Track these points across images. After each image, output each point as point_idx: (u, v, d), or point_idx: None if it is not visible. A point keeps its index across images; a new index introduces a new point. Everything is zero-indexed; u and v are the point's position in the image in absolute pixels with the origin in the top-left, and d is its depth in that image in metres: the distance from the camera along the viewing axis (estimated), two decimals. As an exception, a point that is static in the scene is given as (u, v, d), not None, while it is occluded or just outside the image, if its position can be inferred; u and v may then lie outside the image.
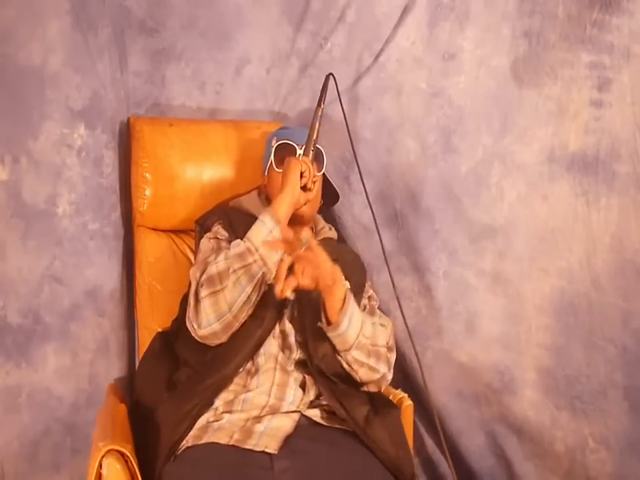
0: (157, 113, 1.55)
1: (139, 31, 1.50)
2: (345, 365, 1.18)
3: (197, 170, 1.49)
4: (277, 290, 1.05)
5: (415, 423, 1.51)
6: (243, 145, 1.52)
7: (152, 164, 1.45)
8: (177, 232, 1.51)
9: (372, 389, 1.24)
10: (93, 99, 1.40)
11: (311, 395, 1.17)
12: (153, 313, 1.42)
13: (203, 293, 1.11)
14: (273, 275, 1.13)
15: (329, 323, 1.15)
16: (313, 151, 1.24)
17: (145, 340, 1.35)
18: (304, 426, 1.13)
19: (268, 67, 1.62)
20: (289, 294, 1.07)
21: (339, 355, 1.17)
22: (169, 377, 1.19)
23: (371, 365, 1.19)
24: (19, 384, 1.34)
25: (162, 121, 1.50)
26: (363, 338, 1.16)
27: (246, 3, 1.56)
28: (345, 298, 1.13)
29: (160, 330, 1.32)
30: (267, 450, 1.05)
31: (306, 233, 1.10)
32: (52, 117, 1.34)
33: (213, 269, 1.12)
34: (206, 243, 1.24)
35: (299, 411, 1.14)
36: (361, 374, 1.19)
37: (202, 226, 1.30)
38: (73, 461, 1.39)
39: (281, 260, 1.08)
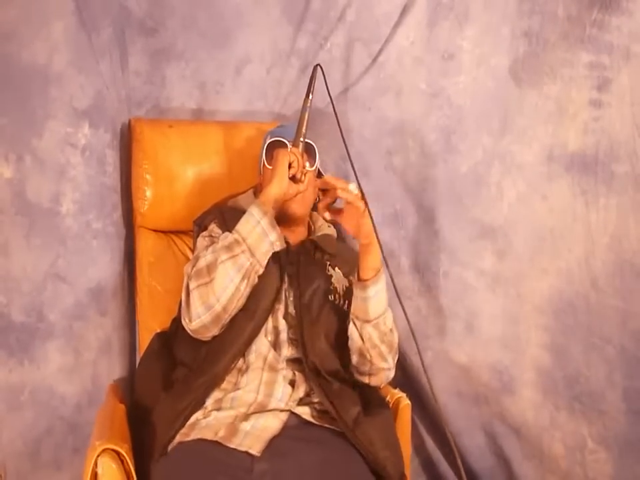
0: (157, 113, 1.56)
1: (139, 31, 1.50)
2: (357, 340, 1.19)
3: (196, 171, 1.49)
4: (320, 206, 1.16)
5: (414, 422, 1.51)
6: (243, 145, 1.52)
7: (152, 165, 1.46)
8: (177, 233, 1.51)
9: (374, 382, 1.25)
10: (97, 98, 1.41)
11: (301, 391, 1.17)
12: (153, 313, 1.42)
13: (192, 285, 1.12)
14: (263, 267, 1.15)
15: (361, 278, 1.17)
16: (302, 142, 1.23)
17: (145, 340, 1.35)
18: (292, 426, 1.13)
19: (268, 67, 1.62)
20: (327, 215, 1.17)
21: (355, 325, 1.19)
22: (166, 376, 1.20)
23: (382, 351, 1.20)
24: (22, 382, 1.35)
25: (162, 123, 1.51)
26: (382, 322, 1.18)
27: (246, 3, 1.56)
28: (378, 271, 1.17)
29: (159, 330, 1.33)
30: (249, 451, 1.05)
31: (354, 184, 1.14)
32: (56, 116, 1.35)
33: (201, 262, 1.13)
34: (201, 241, 1.25)
35: (288, 410, 1.14)
36: (373, 355, 1.20)
37: (199, 226, 1.31)
38: (75, 459, 1.40)
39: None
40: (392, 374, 1.26)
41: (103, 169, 1.44)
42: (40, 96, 1.34)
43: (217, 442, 1.07)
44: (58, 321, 1.38)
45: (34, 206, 1.35)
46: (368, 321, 1.18)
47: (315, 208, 1.36)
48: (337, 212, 1.17)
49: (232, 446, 1.06)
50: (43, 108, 1.35)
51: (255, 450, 1.05)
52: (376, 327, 1.18)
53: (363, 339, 1.19)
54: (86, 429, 1.36)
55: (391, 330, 1.22)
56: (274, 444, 1.07)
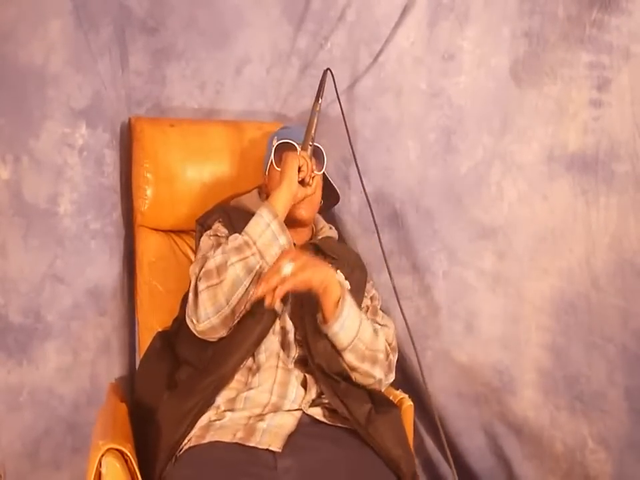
0: (158, 112, 1.55)
1: (140, 30, 1.50)
2: (344, 364, 1.19)
3: (197, 170, 1.49)
4: (267, 302, 1.06)
5: (414, 423, 1.50)
6: (244, 145, 1.52)
7: (153, 164, 1.46)
8: (177, 232, 1.51)
9: (372, 387, 1.24)
10: (94, 98, 1.40)
11: (313, 393, 1.17)
12: (153, 312, 1.42)
13: (201, 286, 1.11)
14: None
15: (324, 321, 1.15)
16: (311, 146, 1.24)
17: (145, 340, 1.35)
18: (306, 424, 1.13)
19: (268, 66, 1.61)
20: (277, 305, 1.10)
21: (338, 353, 1.18)
22: (169, 376, 1.20)
23: (364, 370, 1.19)
24: (21, 382, 1.35)
25: (162, 122, 1.50)
26: (358, 342, 1.17)
27: (246, 3, 1.56)
28: (338, 302, 1.13)
29: (160, 330, 1.33)
30: (270, 448, 1.05)
31: (287, 265, 1.07)
32: (53, 116, 1.35)
33: (210, 263, 1.13)
34: (206, 240, 1.24)
35: (301, 409, 1.14)
36: (356, 376, 1.20)
37: (202, 225, 1.30)
38: (74, 459, 1.39)
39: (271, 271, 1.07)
40: (388, 380, 1.24)
41: (101, 169, 1.43)
42: (37, 96, 1.34)
43: (235, 443, 1.06)
44: (56, 322, 1.38)
45: (31, 207, 1.34)
46: (344, 349, 1.17)
47: (320, 210, 1.37)
48: (283, 293, 1.09)
49: (252, 444, 1.05)
50: (39, 108, 1.34)
51: (276, 446, 1.05)
52: (353, 350, 1.17)
53: (346, 364, 1.18)
54: (85, 428, 1.36)
55: (371, 338, 1.19)
56: (293, 441, 1.07)
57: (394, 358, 1.25)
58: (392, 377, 1.25)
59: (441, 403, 1.57)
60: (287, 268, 1.07)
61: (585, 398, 1.44)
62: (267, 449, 1.05)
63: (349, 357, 1.17)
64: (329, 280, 1.13)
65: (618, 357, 1.39)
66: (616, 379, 1.39)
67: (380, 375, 1.21)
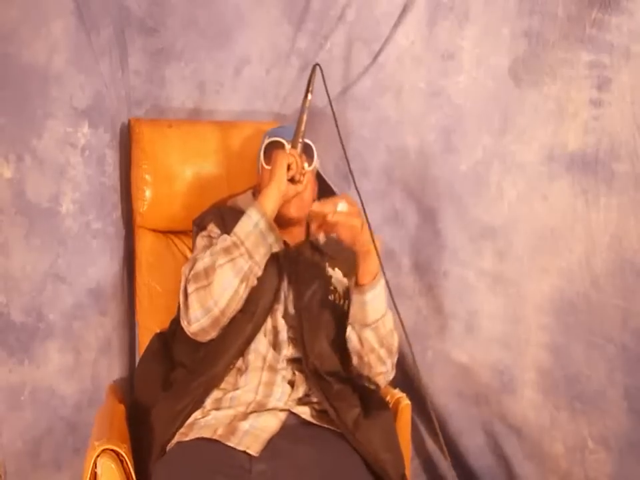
0: (157, 113, 1.56)
1: (139, 31, 1.51)
2: (356, 343, 1.19)
3: (196, 171, 1.49)
4: (313, 229, 1.12)
5: (414, 423, 1.51)
6: (242, 145, 1.52)
7: (151, 165, 1.46)
8: (176, 233, 1.51)
9: (373, 384, 1.24)
10: (96, 98, 1.41)
11: (300, 391, 1.17)
12: (152, 313, 1.42)
13: (190, 288, 1.12)
14: (261, 269, 1.15)
15: (359, 283, 1.16)
16: (300, 143, 1.23)
17: (144, 340, 1.36)
18: (291, 426, 1.12)
19: (268, 67, 1.62)
20: (321, 238, 1.17)
21: (354, 328, 1.18)
22: (165, 377, 1.20)
23: (381, 355, 1.20)
24: (22, 382, 1.35)
25: (161, 123, 1.51)
26: (382, 325, 1.18)
27: (246, 3, 1.57)
28: (376, 275, 1.15)
29: (158, 331, 1.33)
30: (248, 451, 1.05)
31: (343, 203, 1.10)
32: (56, 115, 1.35)
33: (199, 265, 1.13)
34: (200, 241, 1.25)
35: (287, 409, 1.14)
36: (371, 359, 1.20)
37: (198, 226, 1.30)
38: (75, 459, 1.40)
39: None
40: (391, 376, 1.26)
41: (103, 169, 1.44)
42: (40, 96, 1.34)
43: (215, 440, 1.06)
44: (57, 321, 1.38)
45: (34, 206, 1.35)
46: (367, 325, 1.17)
47: None
48: (331, 226, 1.12)
49: (231, 444, 1.05)
50: (42, 108, 1.34)
51: (254, 450, 1.05)
52: (375, 330, 1.18)
53: (361, 343, 1.19)
54: (86, 428, 1.35)
55: (391, 330, 1.21)
56: (272, 444, 1.07)
57: (395, 358, 1.25)
58: (392, 375, 1.26)
59: (441, 402, 1.58)
60: (343, 205, 1.09)
61: (584, 398, 1.43)
62: (245, 452, 1.05)
63: (370, 336, 1.17)
64: (372, 247, 1.13)
65: (618, 357, 1.38)
66: (616, 378, 1.39)
67: (390, 366, 1.22)
